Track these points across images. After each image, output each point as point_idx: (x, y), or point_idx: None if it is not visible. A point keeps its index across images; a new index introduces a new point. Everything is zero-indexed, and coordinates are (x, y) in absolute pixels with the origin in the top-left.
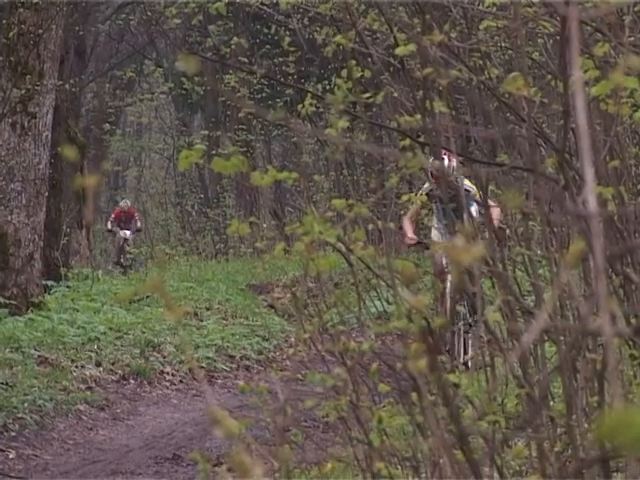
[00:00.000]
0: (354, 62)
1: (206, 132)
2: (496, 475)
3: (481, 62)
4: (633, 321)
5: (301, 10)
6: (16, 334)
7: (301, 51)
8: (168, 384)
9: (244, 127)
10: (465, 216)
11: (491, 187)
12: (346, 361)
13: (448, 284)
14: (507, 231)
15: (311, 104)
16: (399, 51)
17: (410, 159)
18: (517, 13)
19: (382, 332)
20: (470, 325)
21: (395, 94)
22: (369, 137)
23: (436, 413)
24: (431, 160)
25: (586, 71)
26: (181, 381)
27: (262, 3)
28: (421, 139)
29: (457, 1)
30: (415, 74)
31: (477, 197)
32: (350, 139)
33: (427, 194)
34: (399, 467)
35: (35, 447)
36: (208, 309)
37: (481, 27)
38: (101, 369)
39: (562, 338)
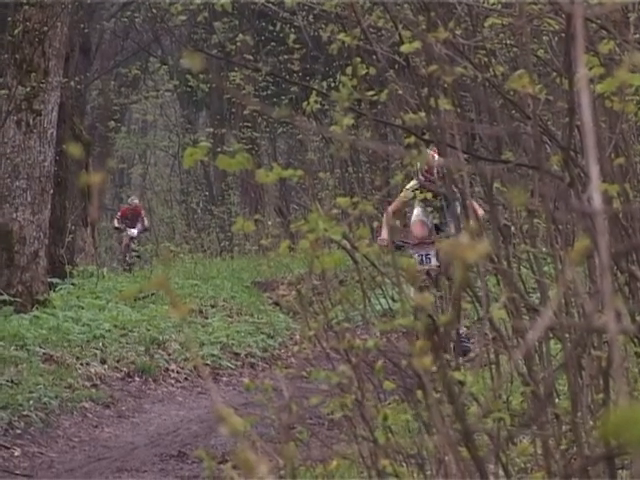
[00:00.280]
0: (359, 59)
1: (211, 129)
2: (501, 472)
3: (486, 59)
4: (638, 318)
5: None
6: (21, 332)
7: (306, 48)
8: (173, 381)
9: (249, 124)
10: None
11: (496, 185)
12: (351, 358)
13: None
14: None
15: (316, 101)
16: (404, 48)
17: (415, 156)
18: (522, 10)
19: (387, 330)
20: None
21: (400, 91)
22: (374, 134)
23: (441, 410)
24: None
25: (591, 68)
26: (186, 378)
27: (267, 0)
28: (426, 136)
29: None
30: (420, 71)
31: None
32: (355, 136)
33: (413, 191)
34: (404, 464)
35: (40, 444)
36: (213, 306)
37: (486, 24)
38: (106, 366)
39: (567, 335)
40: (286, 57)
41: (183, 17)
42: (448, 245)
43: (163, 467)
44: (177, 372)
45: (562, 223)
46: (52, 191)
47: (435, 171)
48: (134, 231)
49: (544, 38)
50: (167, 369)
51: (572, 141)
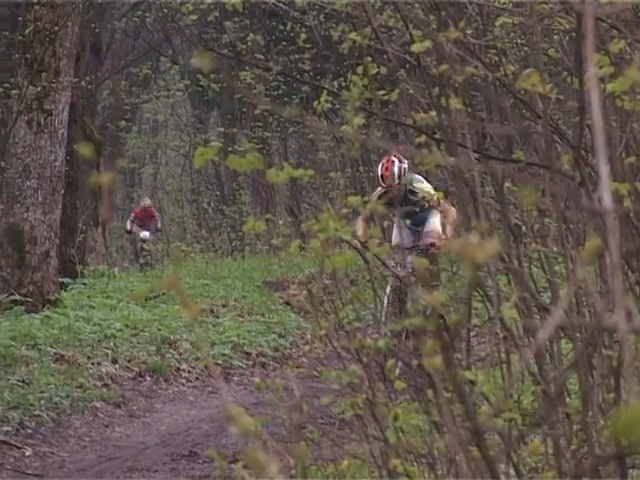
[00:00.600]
0: (370, 59)
1: (222, 129)
2: (512, 472)
3: (497, 59)
4: None
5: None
6: (32, 331)
7: (317, 48)
8: (184, 381)
9: (260, 124)
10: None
11: (507, 184)
12: (362, 358)
13: (388, 288)
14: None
15: (327, 101)
16: (415, 48)
17: (426, 156)
18: (533, 10)
19: (398, 329)
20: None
21: (411, 91)
22: (385, 134)
23: (452, 410)
24: (380, 166)
25: (602, 67)
26: (197, 378)
27: (278, 0)
28: (437, 136)
29: None
30: (431, 71)
31: (433, 199)
32: (366, 136)
33: (379, 197)
34: (415, 464)
35: (51, 444)
36: (224, 306)
37: (497, 24)
38: (117, 366)
39: (578, 335)
40: (297, 56)
41: (194, 17)
42: (458, 244)
43: (174, 467)
44: (188, 372)
45: (573, 222)
46: (63, 191)
47: (396, 177)
48: (147, 234)
49: (555, 37)
50: (178, 369)
51: (583, 140)
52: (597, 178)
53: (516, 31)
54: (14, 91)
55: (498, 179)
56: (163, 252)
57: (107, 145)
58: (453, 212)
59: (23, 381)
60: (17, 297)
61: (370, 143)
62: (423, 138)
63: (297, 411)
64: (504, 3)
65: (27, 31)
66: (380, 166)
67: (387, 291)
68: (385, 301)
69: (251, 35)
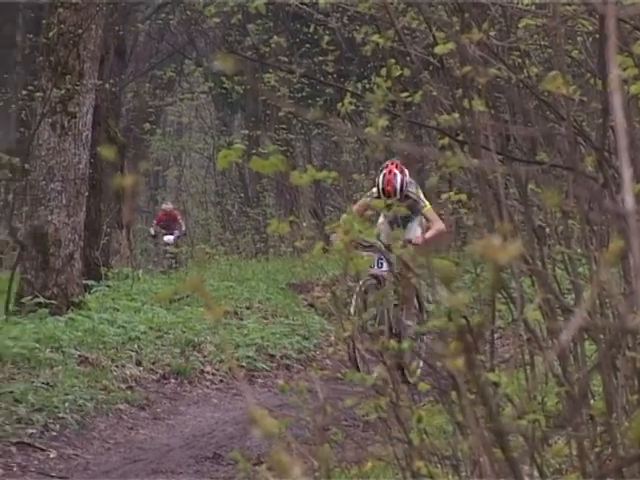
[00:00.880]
0: (393, 61)
1: (246, 131)
2: (536, 473)
3: (520, 60)
4: None
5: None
6: (57, 334)
7: (340, 50)
8: (208, 383)
9: (284, 126)
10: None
11: (531, 186)
12: (386, 360)
13: (359, 286)
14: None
15: (351, 103)
16: (438, 50)
17: (449, 158)
18: (556, 11)
19: (422, 331)
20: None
21: (434, 93)
22: (408, 136)
23: (475, 412)
24: (381, 176)
25: (625, 69)
26: (221, 380)
27: (301, 2)
28: (460, 138)
29: None
30: (454, 73)
31: (426, 209)
32: (390, 138)
33: (376, 198)
34: (439, 466)
35: (76, 446)
36: (248, 308)
37: (520, 25)
38: (141, 368)
39: (602, 336)
40: (320, 59)
41: (217, 19)
42: (480, 246)
43: (198, 469)
44: (212, 374)
45: (596, 224)
46: (87, 193)
47: (398, 192)
48: (170, 238)
49: (578, 39)
50: (202, 371)
51: (606, 142)
52: (620, 180)
53: (539, 33)
54: (38, 94)
55: (522, 181)
56: (187, 254)
57: (131, 147)
58: (439, 224)
59: (47, 383)
60: (41, 300)
61: (394, 145)
62: (446, 140)
63: (321, 413)
64: (527, 5)
65: (51, 34)
66: (381, 178)
67: (357, 289)
68: (354, 298)
69: (275, 37)
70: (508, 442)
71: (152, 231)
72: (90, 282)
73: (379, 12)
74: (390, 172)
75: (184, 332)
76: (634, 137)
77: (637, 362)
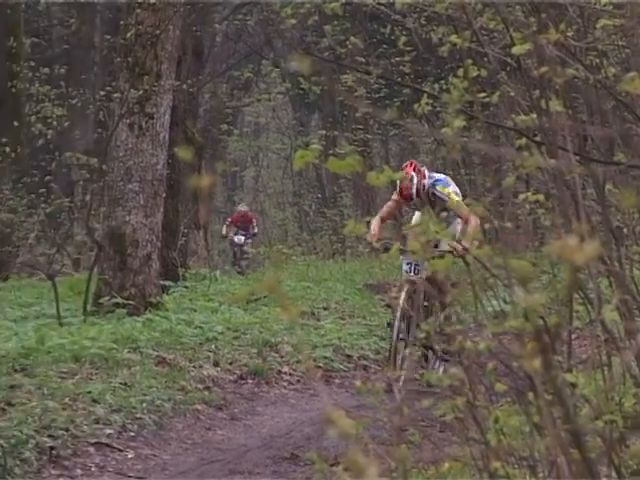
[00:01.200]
0: (470, 61)
1: (323, 132)
2: (614, 474)
3: (598, 61)
4: None
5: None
6: (134, 334)
7: (417, 51)
8: (286, 384)
9: (361, 127)
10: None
11: (608, 186)
12: (463, 361)
13: (403, 294)
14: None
15: (427, 104)
16: (515, 50)
17: (527, 158)
18: (634, 11)
19: (499, 331)
20: (404, 340)
21: (511, 93)
22: (486, 136)
23: (552, 412)
24: (398, 182)
25: None
26: (298, 381)
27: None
28: (537, 138)
29: (573, 0)
30: (531, 73)
31: (450, 202)
32: (467, 138)
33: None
34: (516, 467)
35: (153, 447)
36: (325, 309)
37: (598, 26)
38: (219, 369)
39: None
40: (397, 59)
41: (294, 20)
42: (557, 247)
43: (276, 469)
44: (290, 374)
45: None
46: (165, 194)
47: (414, 190)
48: (241, 238)
49: None
50: (280, 371)
51: None
52: None
53: (617, 33)
54: (116, 94)
55: (599, 182)
56: (265, 255)
57: (208, 148)
58: (474, 220)
59: (125, 384)
60: (119, 300)
61: (471, 146)
62: (524, 141)
63: (398, 414)
64: (605, 5)
65: (129, 34)
66: (398, 183)
67: (402, 298)
68: (399, 311)
69: (351, 38)
70: (585, 443)
71: (223, 231)
72: (167, 283)
73: (456, 12)
74: (406, 175)
75: (261, 332)
76: None
77: None
